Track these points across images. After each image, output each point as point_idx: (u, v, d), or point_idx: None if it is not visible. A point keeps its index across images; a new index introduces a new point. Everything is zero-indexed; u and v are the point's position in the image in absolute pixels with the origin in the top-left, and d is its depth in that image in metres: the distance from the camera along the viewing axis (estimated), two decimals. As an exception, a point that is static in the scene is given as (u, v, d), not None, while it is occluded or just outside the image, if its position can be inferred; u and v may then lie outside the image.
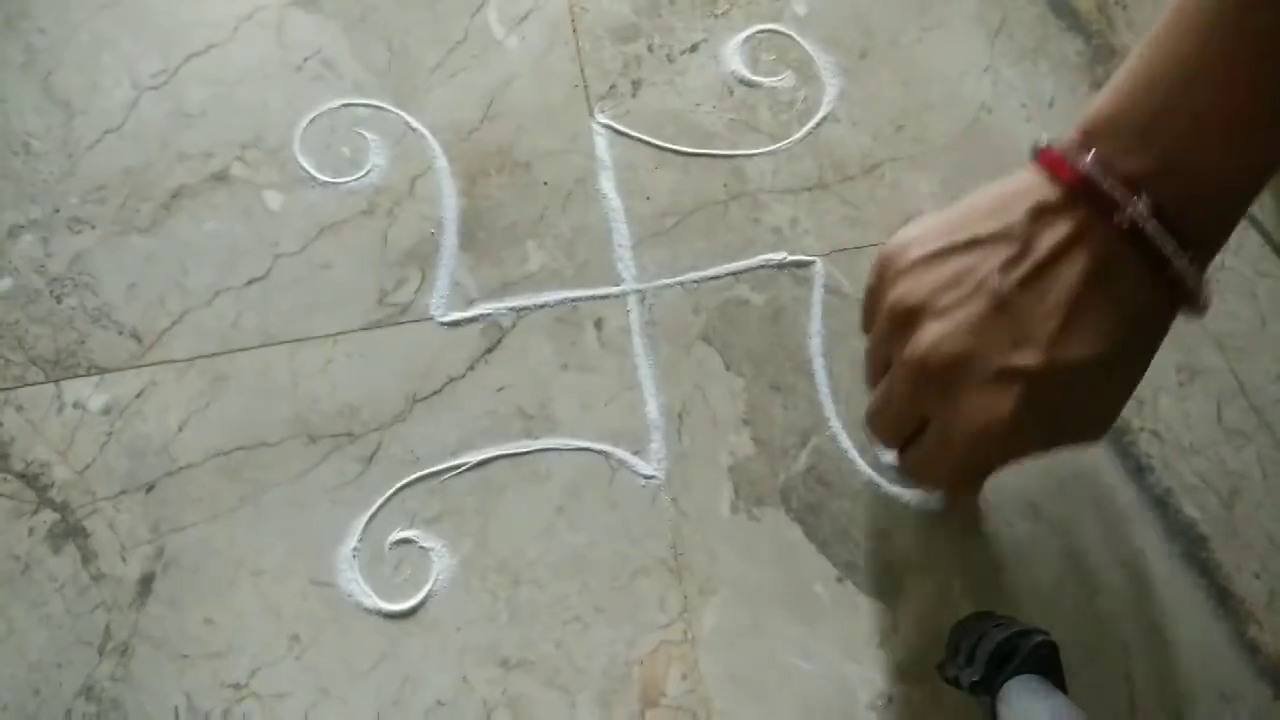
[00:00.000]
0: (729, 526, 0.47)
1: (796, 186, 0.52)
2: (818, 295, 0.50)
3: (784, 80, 0.54)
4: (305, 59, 0.52)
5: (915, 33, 0.56)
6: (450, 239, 0.50)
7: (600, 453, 0.47)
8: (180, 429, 0.47)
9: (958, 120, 0.54)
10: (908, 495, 0.47)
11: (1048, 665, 0.39)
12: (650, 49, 0.54)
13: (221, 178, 0.50)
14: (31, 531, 0.45)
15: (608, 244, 0.51)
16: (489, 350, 0.49)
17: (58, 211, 0.49)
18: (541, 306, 0.49)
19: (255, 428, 0.47)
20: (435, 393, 0.48)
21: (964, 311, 0.35)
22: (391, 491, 0.46)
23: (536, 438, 0.47)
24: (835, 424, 0.48)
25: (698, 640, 0.45)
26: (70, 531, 0.45)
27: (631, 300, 0.50)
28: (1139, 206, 0.32)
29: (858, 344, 0.49)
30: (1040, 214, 0.34)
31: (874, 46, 0.55)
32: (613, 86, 0.53)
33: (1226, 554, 0.48)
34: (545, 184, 0.51)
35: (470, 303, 0.49)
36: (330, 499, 0.46)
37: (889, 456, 0.47)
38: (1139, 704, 0.45)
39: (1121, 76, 0.33)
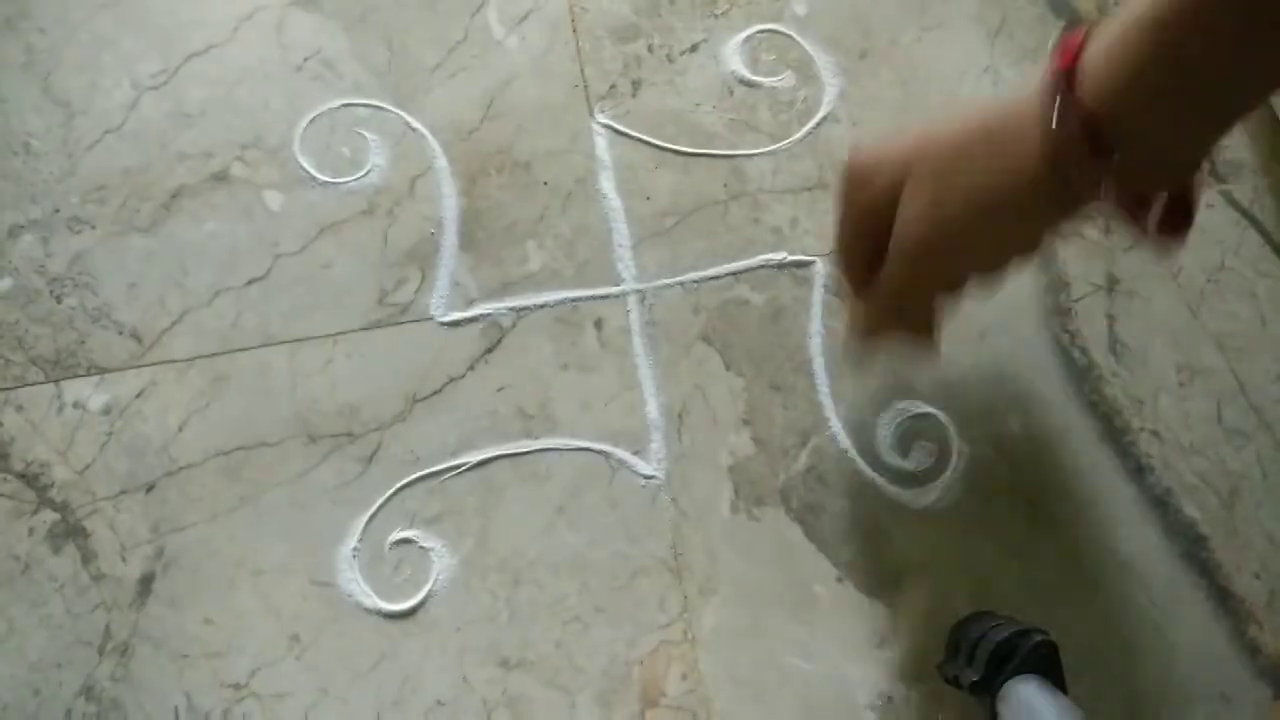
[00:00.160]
0: (729, 526, 0.47)
1: (796, 186, 0.52)
2: (818, 295, 0.50)
3: (784, 80, 0.54)
4: (305, 59, 0.52)
5: (915, 33, 0.56)
6: (450, 239, 0.50)
7: (600, 453, 0.47)
8: (180, 429, 0.47)
9: (958, 120, 0.54)
10: (907, 495, 0.47)
11: (1048, 665, 0.39)
12: (650, 49, 0.54)
13: (221, 178, 0.50)
14: (31, 531, 0.45)
15: (608, 244, 0.51)
16: (489, 350, 0.49)
17: (58, 211, 0.49)
18: (541, 306, 0.49)
19: (255, 428, 0.47)
20: (435, 393, 0.48)
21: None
22: (391, 491, 0.46)
23: (536, 438, 0.47)
24: (835, 424, 0.48)
25: (698, 640, 0.45)
26: (70, 531, 0.45)
27: (631, 300, 0.50)
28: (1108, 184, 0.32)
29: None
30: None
31: (874, 46, 0.55)
32: (613, 86, 0.53)
33: (1226, 554, 0.48)
34: (545, 184, 0.51)
35: (470, 303, 0.49)
36: (330, 499, 0.46)
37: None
38: (1139, 704, 0.45)
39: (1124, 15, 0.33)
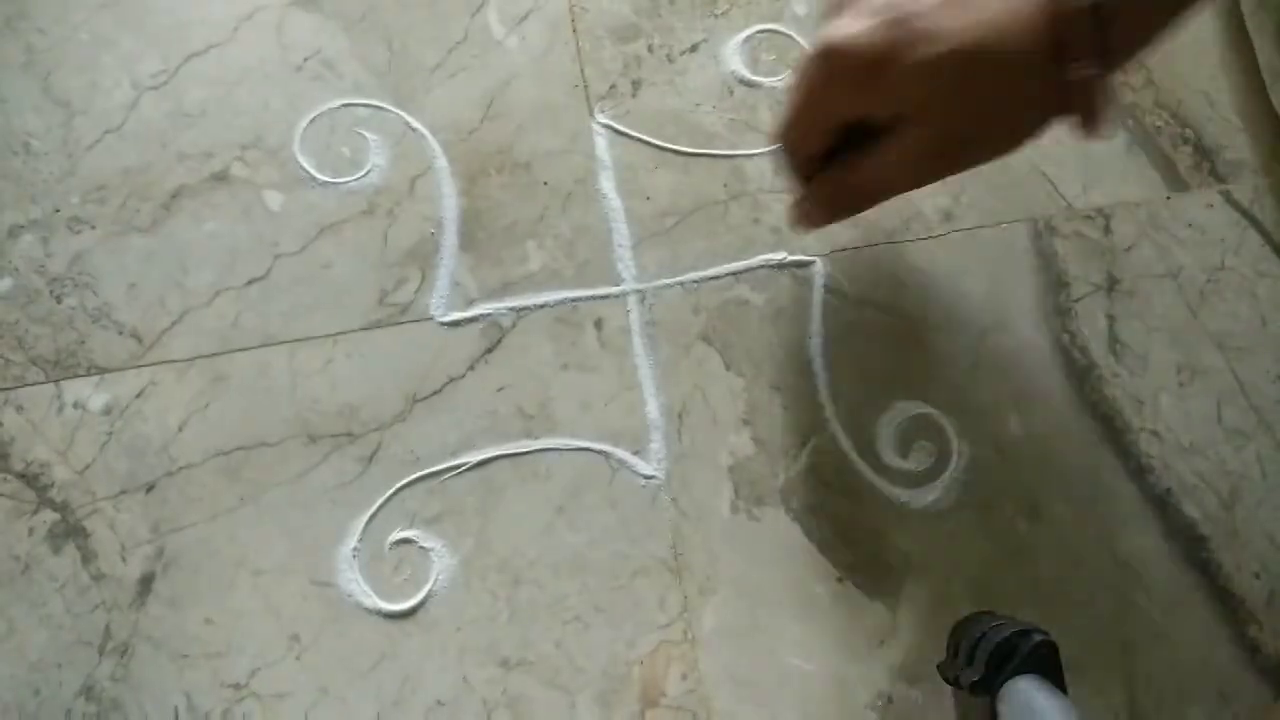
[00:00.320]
0: (729, 526, 0.47)
1: (796, 186, 0.52)
2: (818, 295, 0.50)
3: (784, 80, 0.54)
4: (305, 59, 0.52)
5: (915, 33, 0.56)
6: (450, 239, 0.50)
7: (600, 453, 0.47)
8: (180, 429, 0.47)
9: (958, 120, 0.54)
10: (907, 496, 0.47)
11: (1048, 665, 0.39)
12: (650, 49, 0.54)
13: (221, 178, 0.50)
14: (31, 531, 0.45)
15: (608, 244, 0.51)
16: (489, 350, 0.49)
17: (58, 211, 0.49)
18: (541, 306, 0.49)
19: (255, 428, 0.47)
20: (435, 393, 0.48)
21: None
22: (391, 491, 0.46)
23: (536, 438, 0.47)
24: (835, 424, 0.48)
25: (698, 640, 0.45)
26: (70, 531, 0.45)
27: (631, 300, 0.50)
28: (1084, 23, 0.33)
29: (858, 344, 0.50)
30: None
31: (874, 46, 0.55)
32: (613, 86, 0.53)
33: (1226, 554, 0.48)
34: (545, 184, 0.51)
35: (470, 303, 0.49)
36: (330, 499, 0.46)
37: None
38: (1139, 704, 0.45)
39: None
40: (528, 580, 0.46)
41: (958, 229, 0.51)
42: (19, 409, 0.47)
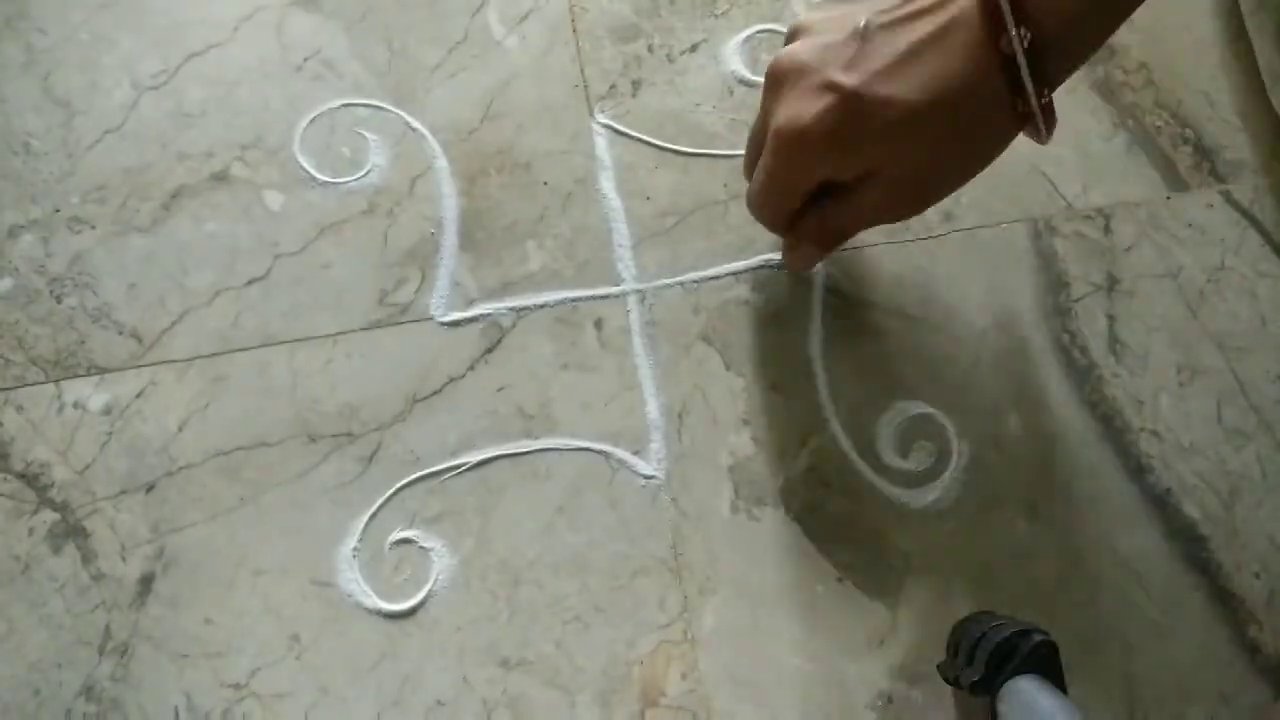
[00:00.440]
0: (729, 526, 0.47)
1: (796, 186, 0.52)
2: (818, 295, 0.50)
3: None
4: (305, 59, 0.52)
5: (915, 33, 0.56)
6: (450, 239, 0.50)
7: (600, 453, 0.47)
8: (180, 429, 0.47)
9: (958, 120, 0.54)
10: (907, 495, 0.47)
11: (1048, 665, 0.39)
12: (650, 49, 0.54)
13: (221, 178, 0.50)
14: (31, 531, 0.45)
15: (608, 244, 0.51)
16: (489, 350, 0.49)
17: (58, 211, 0.49)
18: (541, 306, 0.49)
19: (255, 428, 0.47)
20: (435, 393, 0.48)
21: (825, 37, 0.38)
22: (391, 491, 0.46)
23: (536, 438, 0.47)
24: (835, 424, 0.48)
25: (698, 640, 0.45)
26: (70, 531, 0.45)
27: (631, 300, 0.50)
28: (1019, 37, 0.34)
29: (858, 344, 0.50)
30: None
31: (874, 46, 0.55)
32: (613, 86, 0.53)
33: (1226, 554, 0.48)
34: (545, 184, 0.51)
35: (470, 303, 0.49)
36: (330, 499, 0.46)
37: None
38: (1139, 704, 0.45)
39: None
40: (528, 580, 0.46)
41: (958, 229, 0.51)
42: (19, 409, 0.47)
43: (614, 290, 0.50)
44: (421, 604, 0.45)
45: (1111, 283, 0.51)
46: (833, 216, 0.41)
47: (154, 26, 0.52)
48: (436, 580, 0.45)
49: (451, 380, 0.48)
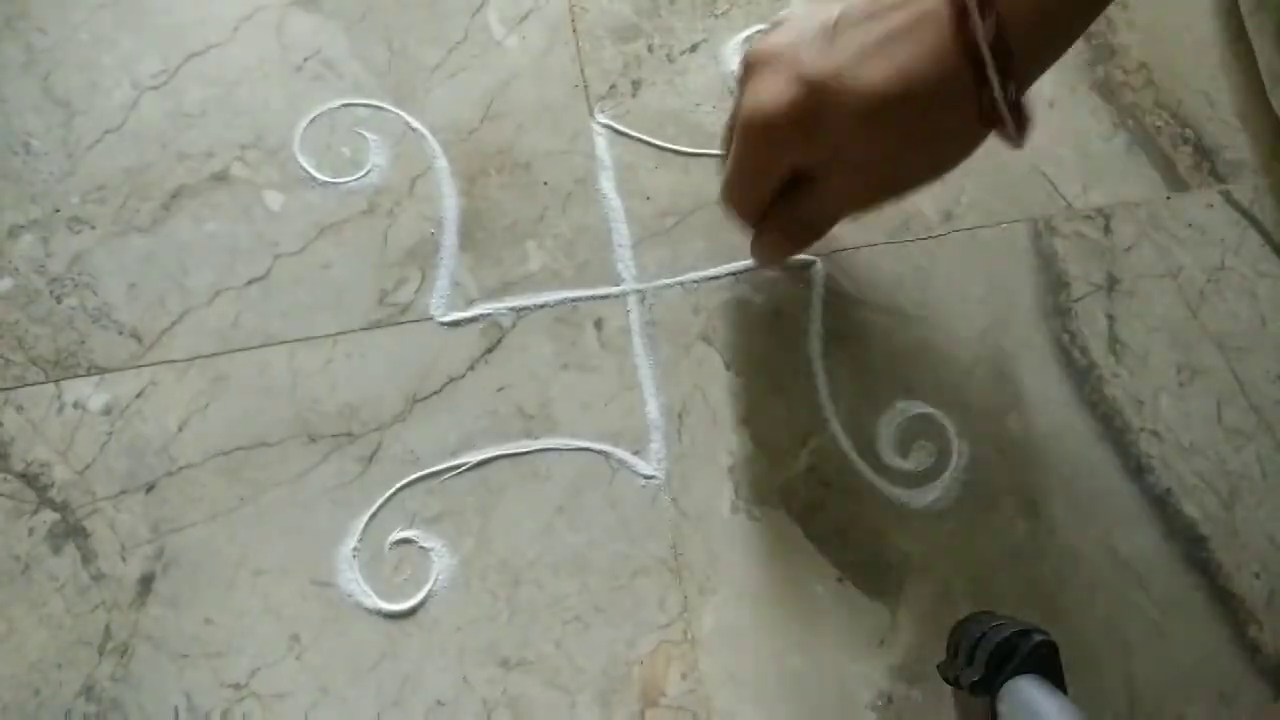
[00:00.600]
0: (729, 526, 0.47)
1: (796, 186, 0.52)
2: (818, 295, 0.50)
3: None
4: (305, 59, 0.52)
5: (915, 33, 0.56)
6: (450, 239, 0.50)
7: (600, 453, 0.47)
8: (180, 429, 0.47)
9: (958, 120, 0.54)
10: (907, 496, 0.47)
11: (1048, 665, 0.39)
12: (650, 49, 0.54)
13: (221, 178, 0.50)
14: (31, 531, 0.45)
15: (608, 244, 0.51)
16: (489, 350, 0.49)
17: (58, 211, 0.49)
18: (541, 306, 0.49)
19: (255, 428, 0.47)
20: (435, 393, 0.48)
21: (800, 29, 0.38)
22: (391, 491, 0.46)
23: (536, 438, 0.47)
24: (835, 424, 0.48)
25: (698, 640, 0.45)
26: (70, 531, 0.45)
27: (631, 300, 0.50)
28: (985, 26, 0.34)
29: (858, 344, 0.50)
30: None
31: (874, 46, 0.55)
32: (613, 86, 0.53)
33: (1226, 554, 0.48)
34: (545, 184, 0.51)
35: (470, 303, 0.49)
36: (330, 499, 0.46)
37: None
38: (1139, 704, 0.45)
39: None
40: (528, 580, 0.46)
41: (958, 229, 0.51)
42: (19, 409, 0.47)
43: (614, 290, 0.50)
44: (421, 604, 0.45)
45: (1111, 283, 0.51)
46: (801, 204, 0.41)
47: (154, 26, 0.52)
48: (436, 580, 0.45)
49: (451, 380, 0.48)
